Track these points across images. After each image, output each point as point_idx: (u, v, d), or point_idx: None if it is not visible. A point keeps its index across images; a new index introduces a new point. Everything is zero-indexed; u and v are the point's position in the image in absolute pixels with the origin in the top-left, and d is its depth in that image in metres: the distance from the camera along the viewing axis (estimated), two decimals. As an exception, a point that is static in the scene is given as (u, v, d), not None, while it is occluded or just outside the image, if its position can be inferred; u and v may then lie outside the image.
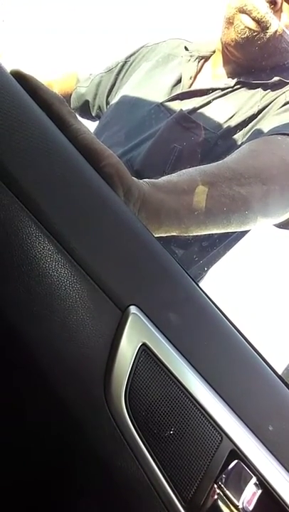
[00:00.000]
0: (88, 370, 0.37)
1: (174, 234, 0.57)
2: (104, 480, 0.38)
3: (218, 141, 0.91)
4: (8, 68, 0.40)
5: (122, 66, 1.18)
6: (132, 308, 0.38)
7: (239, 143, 0.91)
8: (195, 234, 0.60)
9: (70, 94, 1.29)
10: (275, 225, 0.86)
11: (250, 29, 0.87)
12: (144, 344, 0.38)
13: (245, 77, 0.96)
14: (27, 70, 0.43)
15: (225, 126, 0.92)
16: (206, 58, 1.05)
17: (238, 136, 0.92)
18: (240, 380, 0.43)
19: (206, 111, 0.94)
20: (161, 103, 0.98)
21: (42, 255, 0.35)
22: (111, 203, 0.41)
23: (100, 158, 0.44)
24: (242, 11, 0.86)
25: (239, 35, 0.88)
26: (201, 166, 0.64)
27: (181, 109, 0.93)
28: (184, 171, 0.61)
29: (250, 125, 0.91)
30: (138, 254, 0.41)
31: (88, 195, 0.40)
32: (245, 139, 0.91)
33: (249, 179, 0.64)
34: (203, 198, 0.58)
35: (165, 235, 0.56)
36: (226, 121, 0.92)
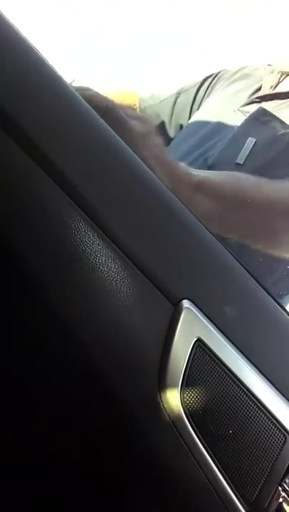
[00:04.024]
0: (142, 367, 0.36)
1: None
2: (160, 480, 0.37)
3: None
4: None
5: (200, 87, 1.17)
6: (185, 303, 0.37)
7: None
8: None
9: None
10: None
11: None
12: (199, 339, 0.36)
13: None
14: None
15: None
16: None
17: None
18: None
19: (287, 110, 0.91)
20: (238, 108, 0.96)
21: (91, 250, 0.34)
22: (163, 197, 0.40)
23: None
24: None
25: None
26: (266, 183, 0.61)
27: (261, 106, 0.91)
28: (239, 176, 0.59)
29: None
30: (189, 246, 0.39)
31: (139, 189, 0.38)
32: None
33: None
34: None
35: None
36: None
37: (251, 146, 0.84)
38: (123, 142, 0.40)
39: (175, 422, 0.36)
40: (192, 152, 0.93)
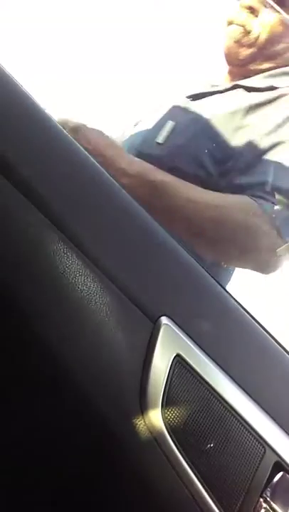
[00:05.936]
0: (123, 383, 0.36)
1: None
2: (143, 495, 0.37)
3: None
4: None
5: None
6: (164, 319, 0.38)
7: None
8: None
9: None
10: None
11: (236, 35, 0.93)
12: (178, 355, 0.37)
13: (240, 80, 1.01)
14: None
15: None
16: None
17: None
18: (280, 389, 0.41)
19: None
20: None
21: (70, 270, 0.35)
22: (137, 214, 0.41)
23: None
24: (230, 22, 0.96)
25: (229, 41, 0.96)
26: None
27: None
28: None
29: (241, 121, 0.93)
30: (166, 264, 0.41)
31: (112, 208, 0.40)
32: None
33: None
34: None
35: None
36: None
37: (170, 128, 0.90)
38: (102, 169, 0.42)
39: (157, 437, 0.36)
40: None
